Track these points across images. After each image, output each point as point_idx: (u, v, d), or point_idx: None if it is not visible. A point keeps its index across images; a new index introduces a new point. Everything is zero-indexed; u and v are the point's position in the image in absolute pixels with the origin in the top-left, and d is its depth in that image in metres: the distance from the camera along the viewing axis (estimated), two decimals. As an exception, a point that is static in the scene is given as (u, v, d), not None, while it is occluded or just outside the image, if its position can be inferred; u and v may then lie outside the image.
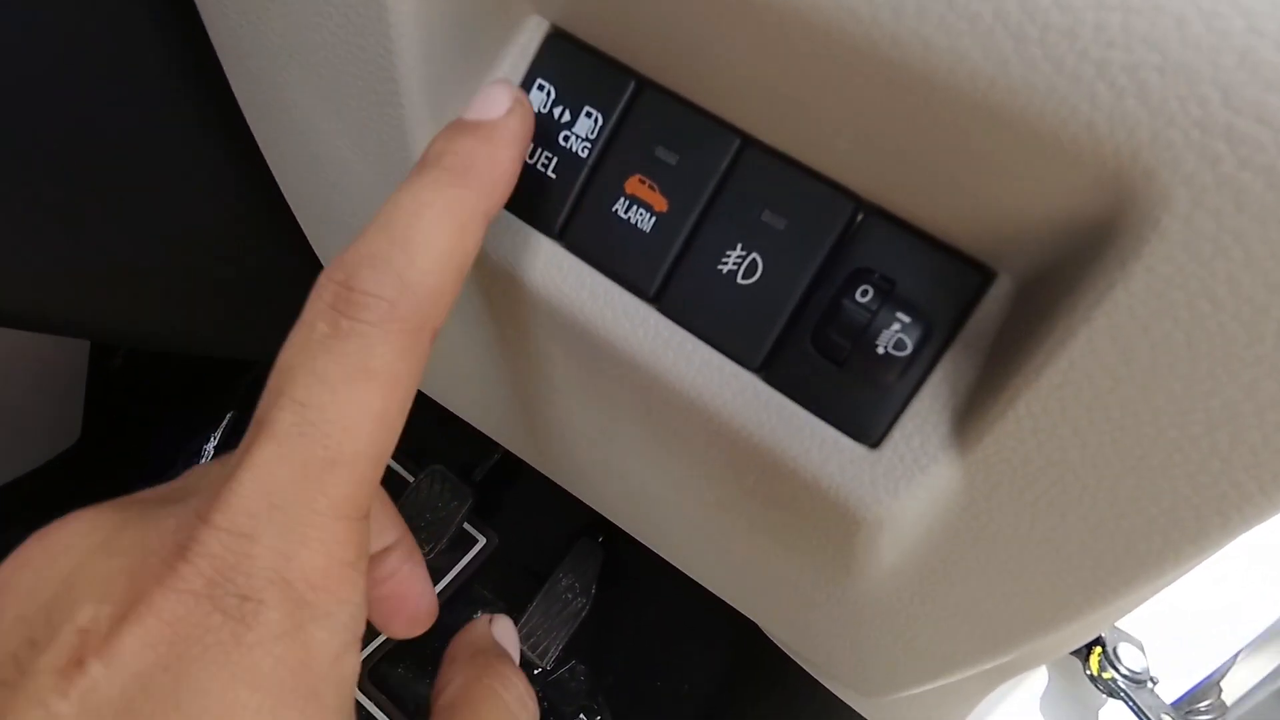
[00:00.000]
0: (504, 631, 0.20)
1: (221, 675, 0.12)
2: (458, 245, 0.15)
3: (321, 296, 0.15)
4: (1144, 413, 0.14)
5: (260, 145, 0.26)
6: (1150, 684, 0.39)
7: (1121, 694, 0.39)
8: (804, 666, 0.44)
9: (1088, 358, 0.14)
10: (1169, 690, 0.42)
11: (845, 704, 0.47)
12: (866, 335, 0.17)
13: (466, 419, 0.37)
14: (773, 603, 0.31)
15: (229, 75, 0.25)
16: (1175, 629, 0.42)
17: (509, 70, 0.21)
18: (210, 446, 0.83)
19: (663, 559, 0.34)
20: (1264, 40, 0.10)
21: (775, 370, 0.19)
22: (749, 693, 0.63)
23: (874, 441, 0.18)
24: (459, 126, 0.17)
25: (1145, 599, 0.25)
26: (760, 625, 0.37)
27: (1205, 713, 0.44)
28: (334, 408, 0.14)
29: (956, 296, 0.17)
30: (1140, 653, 0.39)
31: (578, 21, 0.20)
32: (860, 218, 0.18)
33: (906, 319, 0.17)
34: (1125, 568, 0.17)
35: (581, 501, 0.36)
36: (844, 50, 0.13)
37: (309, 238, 0.30)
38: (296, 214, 0.28)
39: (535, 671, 0.75)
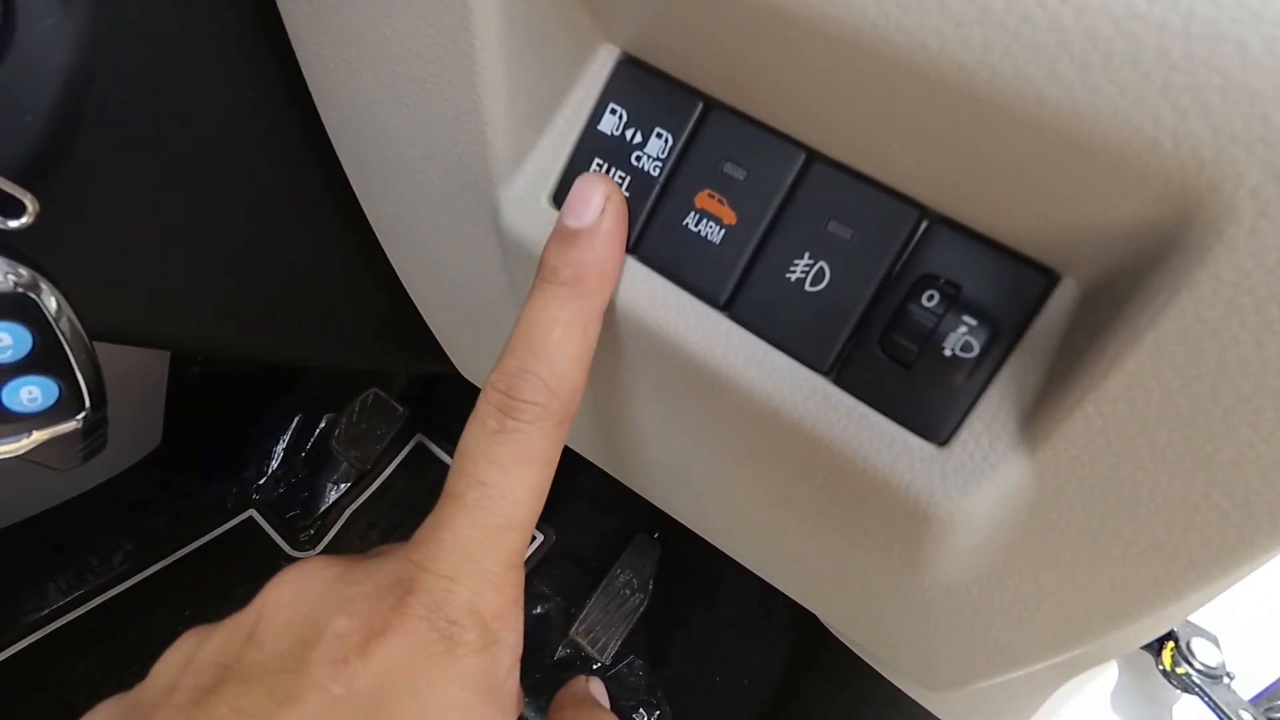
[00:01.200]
0: (599, 689, 0.25)
1: (440, 676, 0.17)
2: (584, 346, 0.20)
3: (489, 399, 0.19)
4: (1214, 411, 0.14)
5: (349, 176, 0.28)
6: (1227, 679, 0.38)
7: (1196, 689, 0.38)
8: (868, 660, 0.44)
9: (1156, 360, 0.14)
10: (1246, 687, 0.41)
11: (908, 699, 0.47)
12: (933, 338, 0.18)
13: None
14: (837, 597, 0.31)
15: (321, 109, 0.26)
16: (1252, 623, 0.41)
17: (583, 95, 0.22)
18: (280, 448, 0.87)
19: (719, 554, 0.35)
20: (1325, 60, 0.10)
21: (845, 373, 0.20)
22: (808, 687, 0.63)
23: (943, 440, 0.19)
24: (566, 238, 0.21)
25: (1219, 593, 0.24)
26: (822, 619, 0.37)
27: (1290, 710, 0.42)
28: (506, 485, 0.19)
29: (1022, 299, 0.17)
30: (1215, 648, 0.38)
31: (647, 48, 0.21)
32: (925, 225, 0.19)
33: (973, 322, 0.18)
34: (1199, 562, 0.17)
35: (638, 498, 0.37)
36: (913, 76, 0.14)
37: (390, 258, 0.32)
38: (380, 237, 0.30)
39: (595, 667, 0.76)
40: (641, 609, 0.78)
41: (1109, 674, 0.45)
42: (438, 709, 0.16)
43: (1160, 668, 0.40)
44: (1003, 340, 0.18)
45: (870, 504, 0.21)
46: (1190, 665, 0.39)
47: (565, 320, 0.20)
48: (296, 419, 0.88)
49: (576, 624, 0.76)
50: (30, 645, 0.71)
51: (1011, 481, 0.18)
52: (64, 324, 0.22)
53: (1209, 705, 0.38)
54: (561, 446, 0.20)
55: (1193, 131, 0.12)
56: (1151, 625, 0.27)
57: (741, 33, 0.17)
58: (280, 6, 0.25)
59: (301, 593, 0.18)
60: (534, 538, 0.82)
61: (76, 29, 0.20)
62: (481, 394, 0.20)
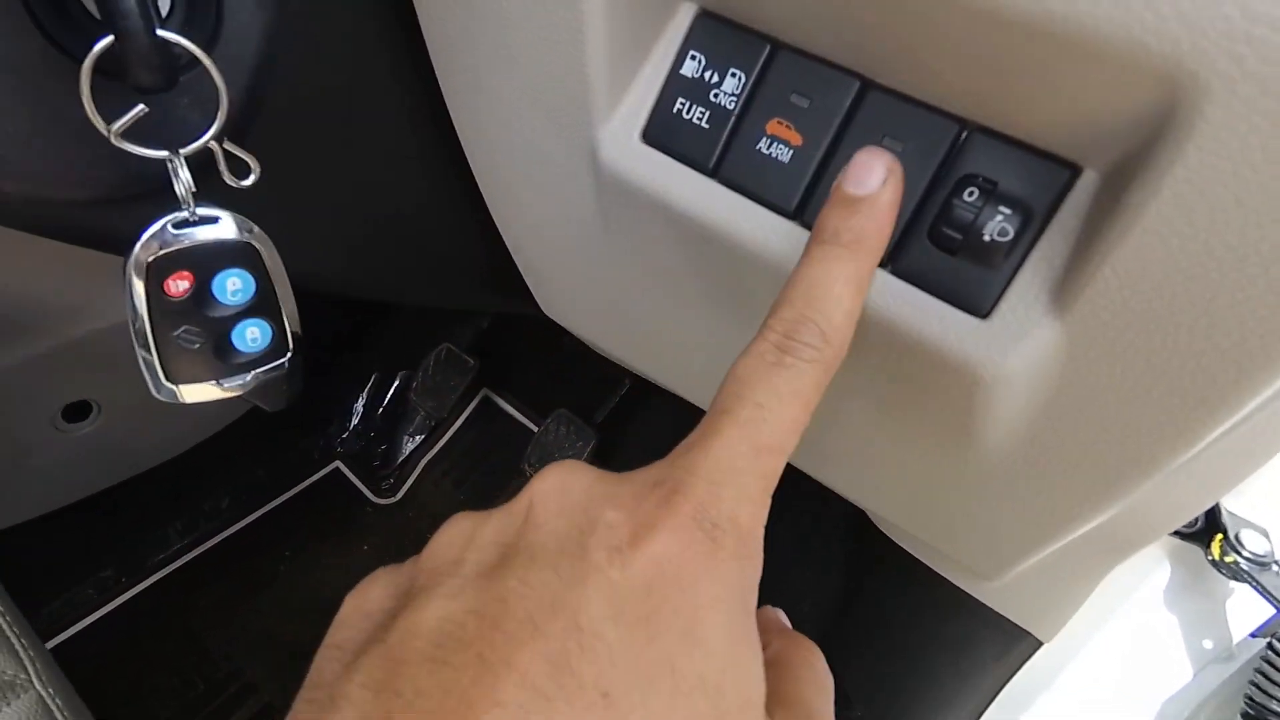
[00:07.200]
0: (783, 617, 0.26)
1: (705, 573, 0.18)
2: (857, 305, 0.21)
3: (768, 339, 0.20)
4: (1209, 262, 0.18)
5: (460, 135, 0.33)
6: (1275, 567, 0.40)
7: (1245, 577, 0.40)
8: (921, 557, 0.48)
9: (1158, 223, 0.18)
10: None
11: (966, 612, 0.50)
12: (974, 227, 0.21)
13: (607, 349, 0.43)
14: (895, 485, 0.34)
15: (439, 72, 0.31)
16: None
17: (667, 46, 0.26)
18: (359, 405, 0.94)
19: (778, 493, 0.38)
20: (1269, -32, 0.14)
21: (899, 263, 0.23)
22: (868, 608, 0.67)
23: (985, 314, 0.22)
24: (848, 204, 0.21)
25: (1255, 469, 0.27)
26: (879, 514, 0.40)
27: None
28: (778, 411, 0.19)
29: (1050, 189, 0.21)
30: (1264, 537, 0.40)
31: (720, 3, 0.24)
32: (965, 135, 0.22)
33: (1008, 211, 0.21)
34: (1207, 400, 0.20)
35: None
36: (951, 2, 0.17)
37: (490, 205, 0.36)
38: (483, 187, 0.35)
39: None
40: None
41: (1161, 572, 0.47)
42: (705, 604, 0.17)
43: (1209, 558, 0.41)
44: (1034, 225, 0.21)
45: (925, 378, 0.25)
46: (1239, 554, 0.40)
47: (844, 279, 0.21)
48: (373, 378, 0.94)
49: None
50: (155, 583, 0.79)
51: (1045, 344, 0.22)
52: (277, 272, 0.27)
53: (1258, 590, 0.40)
54: (822, 392, 0.21)
55: (1171, 31, 0.15)
56: (1179, 494, 0.29)
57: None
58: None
59: (569, 484, 0.19)
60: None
61: (268, 22, 0.25)
62: (758, 336, 0.21)
